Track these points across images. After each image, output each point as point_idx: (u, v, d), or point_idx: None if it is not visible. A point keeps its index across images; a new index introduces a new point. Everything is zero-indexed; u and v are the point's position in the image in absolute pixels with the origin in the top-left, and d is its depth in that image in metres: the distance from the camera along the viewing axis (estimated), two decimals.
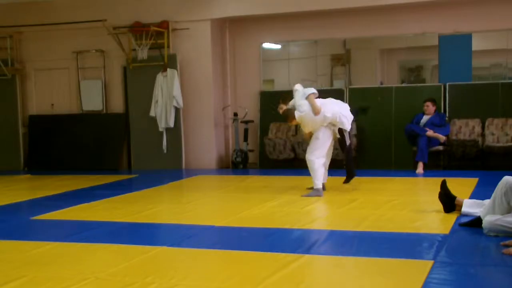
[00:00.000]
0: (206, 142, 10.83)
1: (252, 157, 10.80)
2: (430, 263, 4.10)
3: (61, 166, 11.09)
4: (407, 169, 9.47)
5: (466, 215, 5.50)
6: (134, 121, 11.03)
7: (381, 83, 10.61)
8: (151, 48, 10.62)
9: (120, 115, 11.27)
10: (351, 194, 7.29)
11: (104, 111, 11.36)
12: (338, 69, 10.93)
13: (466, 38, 9.88)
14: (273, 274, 3.98)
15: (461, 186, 7.07)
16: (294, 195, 7.53)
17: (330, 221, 5.77)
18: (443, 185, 5.76)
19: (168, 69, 10.53)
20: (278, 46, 11.28)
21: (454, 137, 9.63)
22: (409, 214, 5.90)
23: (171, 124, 10.56)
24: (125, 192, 7.99)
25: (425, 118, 9.54)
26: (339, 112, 7.30)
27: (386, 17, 10.22)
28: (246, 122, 10.67)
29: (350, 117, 7.39)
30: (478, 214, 5.15)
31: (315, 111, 7.21)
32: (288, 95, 7.85)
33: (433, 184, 7.13)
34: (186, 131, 10.82)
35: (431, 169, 9.28)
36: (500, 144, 9.35)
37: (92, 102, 11.32)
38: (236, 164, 10.65)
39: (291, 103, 7.58)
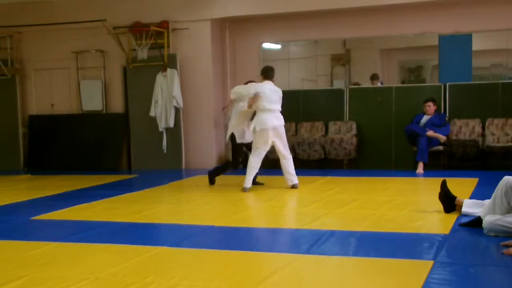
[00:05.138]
0: (206, 142, 10.83)
1: None
2: (430, 263, 4.09)
3: (61, 166, 11.09)
4: (407, 169, 9.47)
5: (466, 215, 5.49)
6: (134, 121, 11.03)
7: (381, 83, 10.61)
8: (151, 48, 10.62)
9: (120, 115, 11.27)
10: (351, 194, 7.29)
11: (104, 111, 11.36)
12: (338, 69, 10.93)
13: (466, 38, 9.88)
14: (273, 274, 3.97)
15: (461, 186, 7.07)
16: (294, 195, 7.53)
17: (330, 221, 5.77)
18: (443, 185, 5.76)
19: (168, 69, 10.53)
20: (278, 46, 11.28)
21: (454, 137, 9.63)
22: (409, 214, 5.90)
23: (171, 124, 10.55)
24: (125, 192, 7.99)
25: (425, 118, 9.55)
26: None
27: (386, 17, 10.22)
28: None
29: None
30: (478, 214, 5.14)
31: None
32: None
33: (433, 184, 7.12)
34: (186, 131, 10.82)
35: (431, 169, 9.28)
36: (500, 144, 9.35)
37: (92, 102, 11.33)
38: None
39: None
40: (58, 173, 10.50)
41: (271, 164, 10.35)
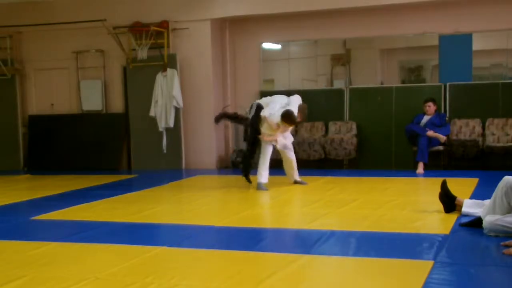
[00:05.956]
0: (206, 142, 10.83)
1: None
2: (430, 263, 4.09)
3: (61, 166, 11.08)
4: (407, 169, 9.47)
5: (466, 215, 5.49)
6: (134, 121, 11.02)
7: (382, 83, 10.61)
8: (151, 48, 10.62)
9: (120, 115, 11.26)
10: (351, 194, 7.29)
11: (104, 111, 11.36)
12: (338, 69, 10.93)
13: (466, 38, 9.88)
14: (273, 274, 3.97)
15: (461, 186, 7.07)
16: (294, 195, 7.53)
17: (330, 221, 5.77)
18: (443, 185, 5.76)
19: (168, 69, 10.53)
20: (278, 46, 11.28)
21: (454, 137, 9.62)
22: (409, 214, 5.90)
23: (171, 124, 10.55)
24: (125, 192, 7.99)
25: (425, 118, 9.55)
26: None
27: (386, 17, 10.22)
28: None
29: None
30: (478, 214, 5.14)
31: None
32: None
33: (433, 184, 7.12)
34: (186, 131, 10.82)
35: (432, 169, 9.28)
36: (501, 144, 9.35)
37: (92, 102, 11.32)
38: (236, 164, 10.64)
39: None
40: (58, 173, 10.50)
41: (272, 163, 10.36)
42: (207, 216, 6.43)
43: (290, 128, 8.09)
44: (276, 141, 7.86)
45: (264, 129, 7.86)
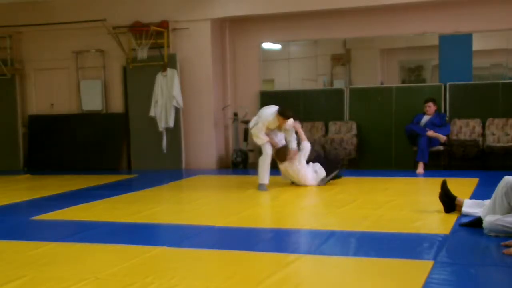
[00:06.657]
0: (206, 142, 10.83)
1: (252, 157, 10.79)
2: (430, 263, 4.09)
3: (61, 166, 11.08)
4: (407, 169, 9.46)
5: (466, 215, 5.49)
6: (134, 121, 11.02)
7: (382, 83, 10.61)
8: (151, 48, 10.62)
9: (120, 115, 11.26)
10: (351, 194, 7.29)
11: (104, 111, 11.36)
12: (338, 69, 10.93)
13: (466, 38, 9.88)
14: (273, 274, 3.97)
15: (461, 186, 7.06)
16: (294, 195, 7.53)
17: (330, 221, 5.77)
18: (444, 185, 5.75)
19: (168, 69, 10.52)
20: (278, 46, 11.28)
21: (454, 137, 9.62)
22: (409, 214, 5.90)
23: (171, 124, 10.54)
24: (125, 192, 7.98)
25: (425, 118, 9.54)
26: None
27: (386, 17, 10.22)
28: (246, 122, 10.66)
29: None
30: (478, 214, 5.14)
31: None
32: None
33: (433, 184, 7.12)
34: (186, 131, 10.82)
35: (432, 169, 9.27)
36: (501, 144, 9.35)
37: (92, 102, 11.32)
38: (236, 164, 10.65)
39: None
40: (58, 173, 10.50)
41: (272, 164, 10.36)
42: (207, 216, 6.42)
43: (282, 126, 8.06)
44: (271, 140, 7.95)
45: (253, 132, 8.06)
